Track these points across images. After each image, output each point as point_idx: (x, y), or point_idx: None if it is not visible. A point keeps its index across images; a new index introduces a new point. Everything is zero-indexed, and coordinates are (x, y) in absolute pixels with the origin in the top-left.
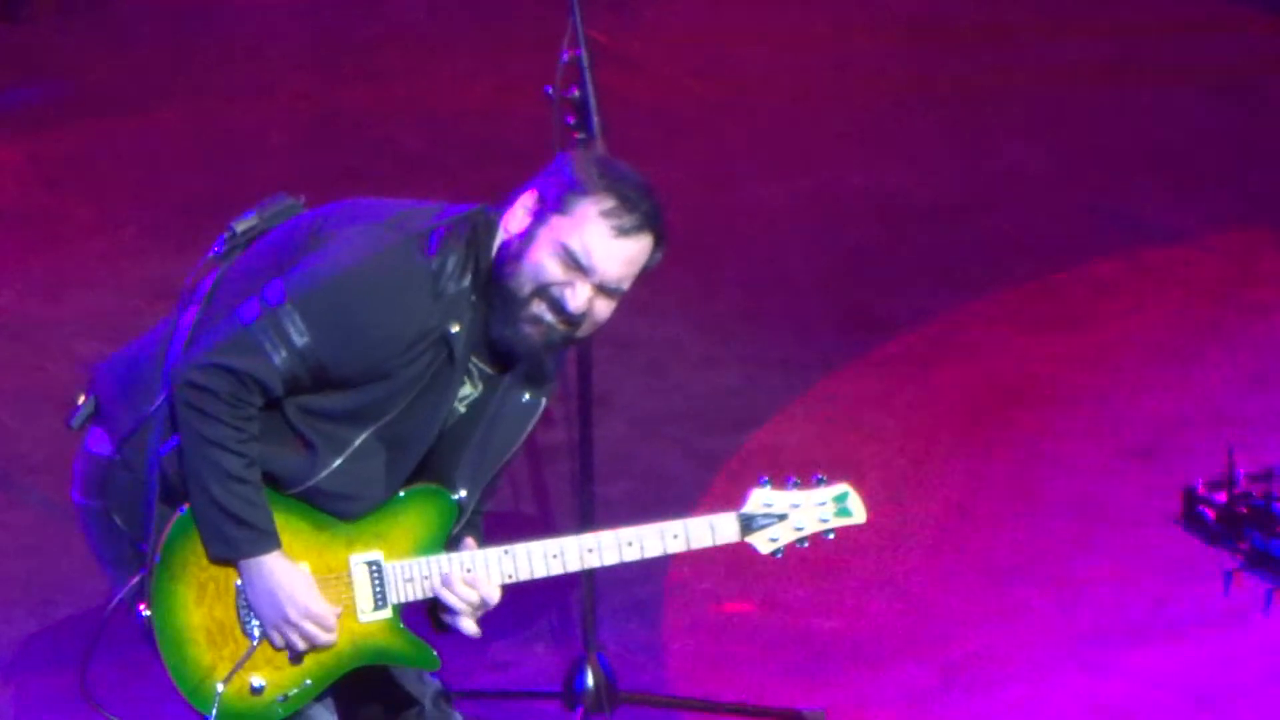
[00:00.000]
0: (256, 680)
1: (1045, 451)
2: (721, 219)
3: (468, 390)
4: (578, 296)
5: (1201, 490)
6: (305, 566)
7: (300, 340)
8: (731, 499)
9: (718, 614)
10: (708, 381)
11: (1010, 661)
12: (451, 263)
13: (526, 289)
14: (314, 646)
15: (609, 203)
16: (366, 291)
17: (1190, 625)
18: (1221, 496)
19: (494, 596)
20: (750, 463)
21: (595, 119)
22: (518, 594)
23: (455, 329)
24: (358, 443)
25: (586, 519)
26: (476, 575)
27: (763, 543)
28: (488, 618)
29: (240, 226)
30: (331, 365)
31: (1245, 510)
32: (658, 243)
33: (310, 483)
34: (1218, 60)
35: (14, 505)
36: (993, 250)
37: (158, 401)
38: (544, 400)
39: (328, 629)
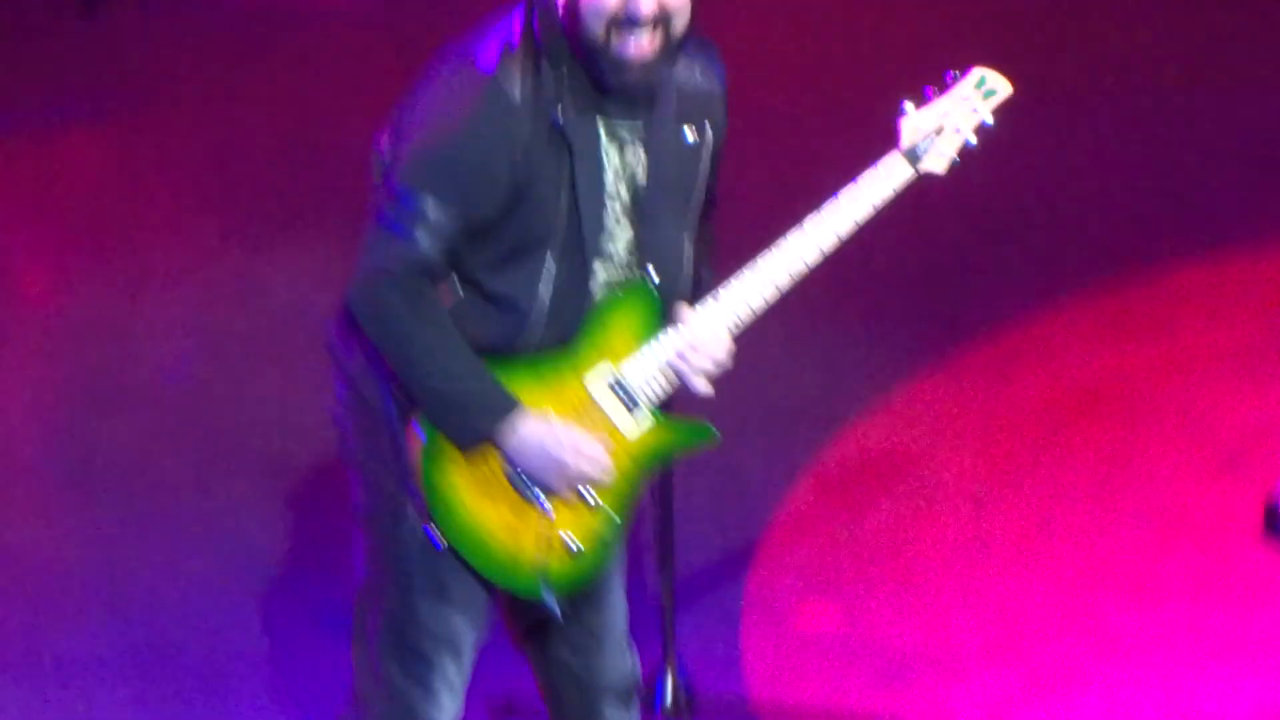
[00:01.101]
0: (569, 540)
1: (1126, 461)
2: (802, 215)
3: (619, 163)
4: (643, 2)
5: None
6: (550, 412)
7: (432, 212)
8: (809, 506)
9: (798, 623)
10: (788, 381)
11: (1091, 672)
12: (518, 65)
13: (599, 32)
14: (600, 482)
15: None
16: (456, 135)
17: (1273, 639)
18: None
19: (723, 352)
20: (828, 464)
21: None
22: None
23: (560, 117)
24: (544, 272)
25: (666, 519)
26: (699, 339)
27: (937, 163)
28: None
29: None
30: (472, 214)
31: None
32: None
33: (522, 337)
34: None
35: (90, 508)
36: (1073, 255)
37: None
38: (709, 136)
39: (604, 458)
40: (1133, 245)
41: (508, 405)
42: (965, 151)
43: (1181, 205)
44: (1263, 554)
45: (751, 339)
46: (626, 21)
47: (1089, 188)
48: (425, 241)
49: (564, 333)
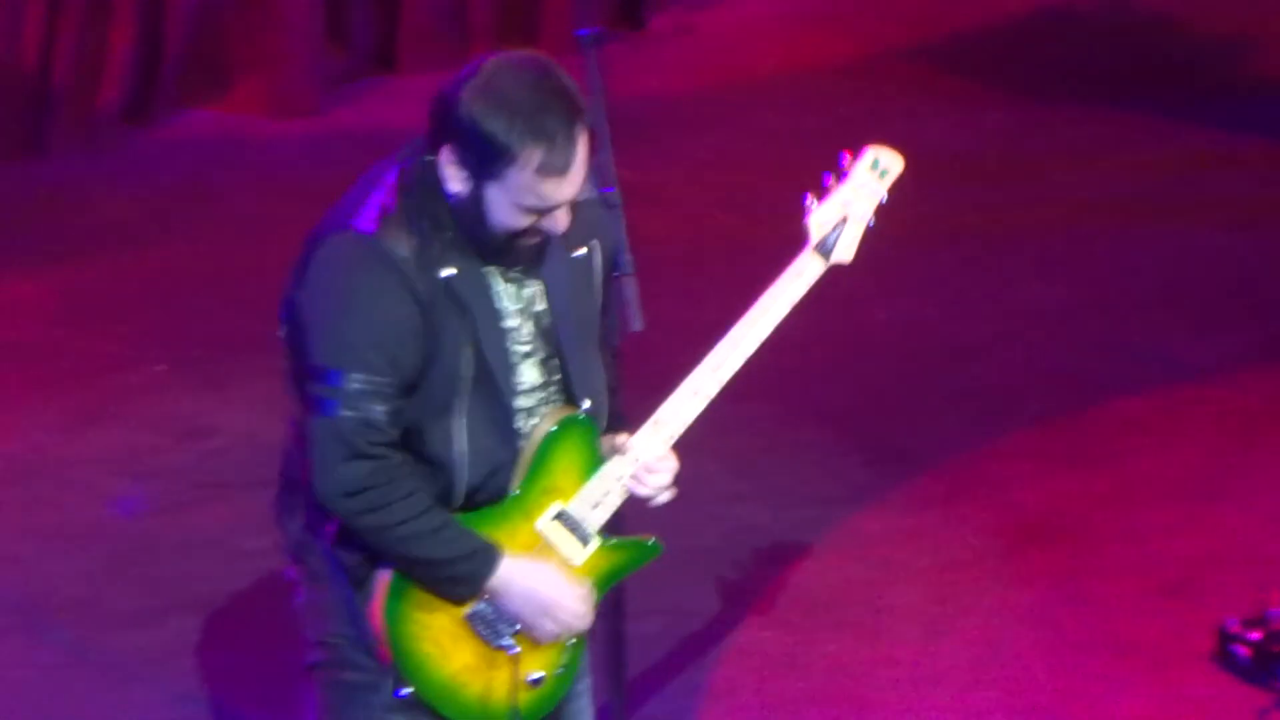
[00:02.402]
0: (533, 674)
1: (1074, 589)
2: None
3: (518, 301)
4: (556, 223)
5: (1235, 628)
6: (525, 554)
7: (363, 384)
8: (760, 638)
9: None
10: (737, 517)
11: None
12: (397, 226)
13: (502, 237)
14: (579, 621)
15: (538, 156)
16: (355, 302)
17: None
18: (1256, 634)
19: (672, 465)
20: (778, 599)
21: (626, 257)
22: None
23: (448, 273)
24: (455, 428)
25: (618, 650)
26: (648, 461)
27: (847, 252)
28: None
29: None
30: (401, 369)
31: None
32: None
33: (459, 494)
34: (1238, 194)
35: (40, 645)
36: (1018, 386)
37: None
38: (597, 247)
39: (585, 604)
40: (1080, 375)
41: (496, 553)
42: (868, 234)
43: (1122, 337)
44: (1213, 680)
45: (698, 471)
46: (534, 234)
47: (1036, 317)
48: (367, 411)
49: (497, 477)
